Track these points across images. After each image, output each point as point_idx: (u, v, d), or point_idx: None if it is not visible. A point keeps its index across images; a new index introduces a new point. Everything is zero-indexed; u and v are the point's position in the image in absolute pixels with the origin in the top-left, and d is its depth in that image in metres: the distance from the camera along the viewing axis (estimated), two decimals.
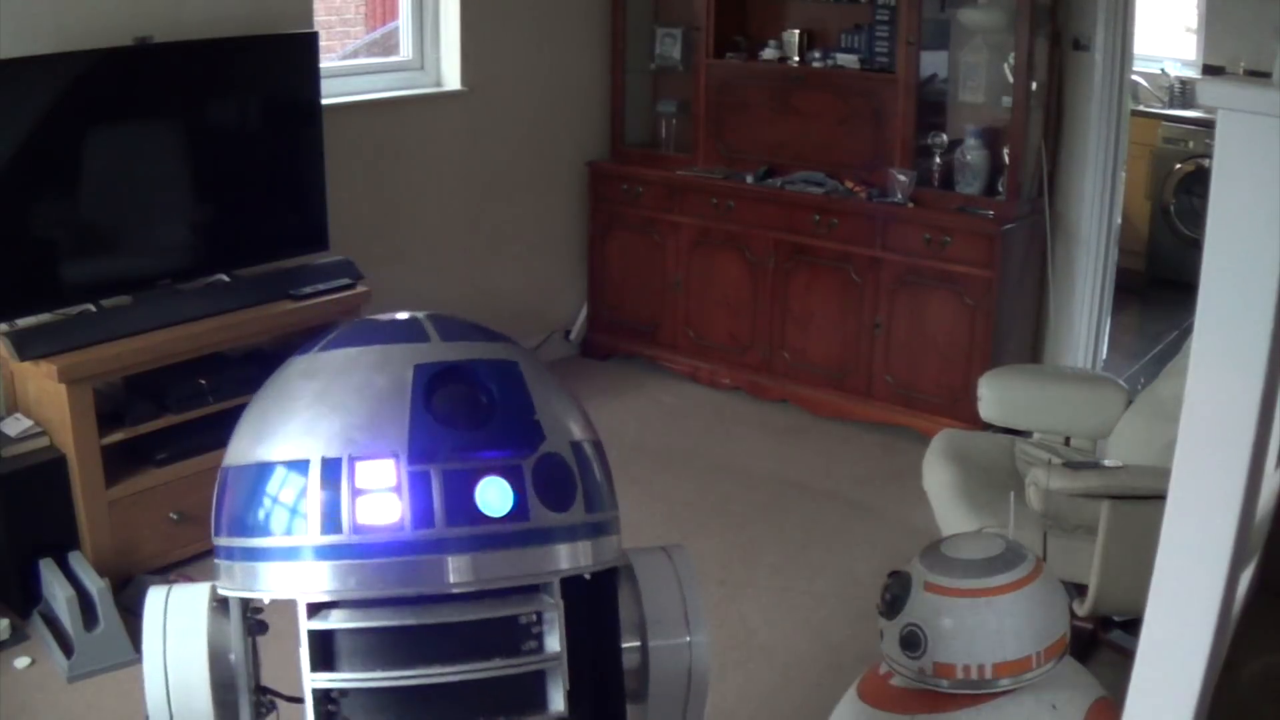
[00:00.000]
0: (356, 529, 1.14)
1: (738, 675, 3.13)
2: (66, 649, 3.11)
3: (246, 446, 1.24)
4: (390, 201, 4.58)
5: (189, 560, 3.54)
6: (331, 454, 1.17)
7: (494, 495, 1.16)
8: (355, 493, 1.15)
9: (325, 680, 1.17)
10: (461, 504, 1.15)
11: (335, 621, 1.17)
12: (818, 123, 4.72)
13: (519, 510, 1.17)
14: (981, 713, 2.05)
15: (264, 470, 1.20)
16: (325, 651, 1.18)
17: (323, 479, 1.16)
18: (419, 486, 1.15)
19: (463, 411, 1.20)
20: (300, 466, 1.18)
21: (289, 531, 1.17)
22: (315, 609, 1.17)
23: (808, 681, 3.11)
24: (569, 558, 1.21)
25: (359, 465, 1.16)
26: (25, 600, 3.27)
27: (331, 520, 1.15)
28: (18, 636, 3.21)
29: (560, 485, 1.21)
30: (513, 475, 1.17)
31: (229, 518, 1.23)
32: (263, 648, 1.33)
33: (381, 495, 1.15)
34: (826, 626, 3.37)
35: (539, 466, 1.19)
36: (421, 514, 1.14)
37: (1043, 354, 4.70)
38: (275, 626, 1.34)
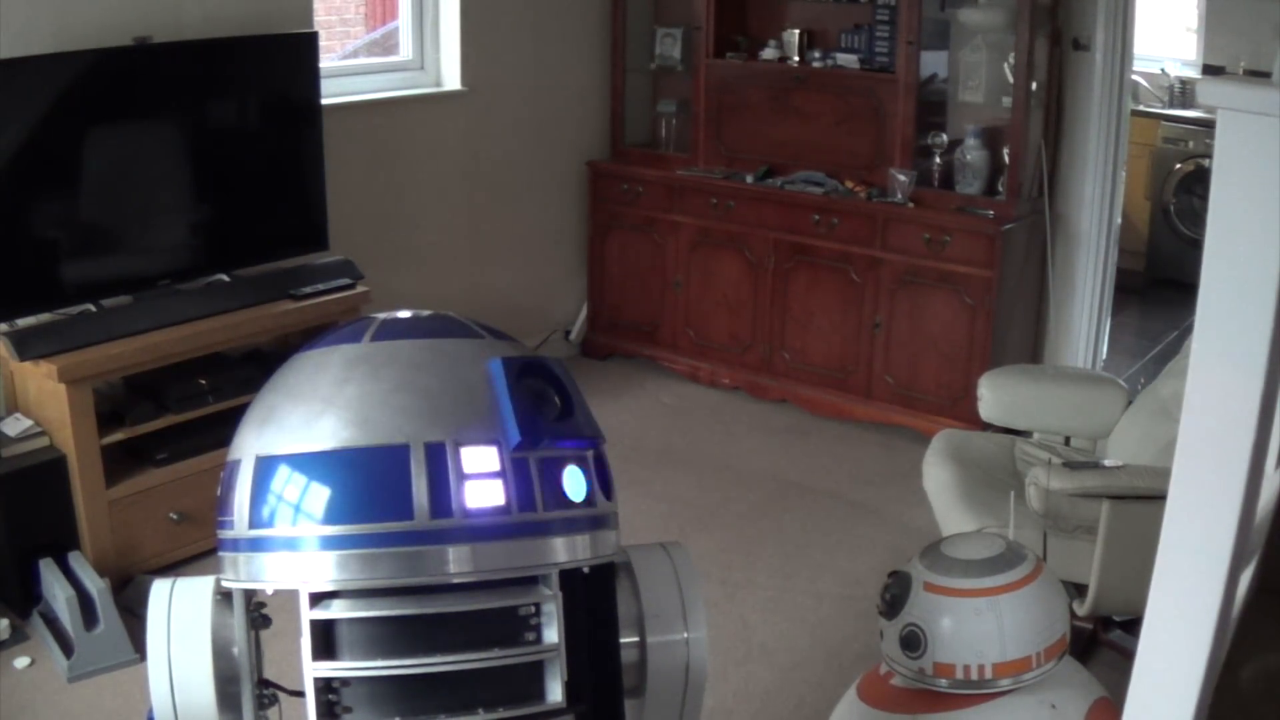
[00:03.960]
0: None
1: (738, 675, 3.13)
2: (66, 649, 3.11)
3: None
4: (390, 201, 4.58)
5: (189, 560, 3.54)
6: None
7: (566, 482, 1.23)
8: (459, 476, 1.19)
9: (326, 669, 1.19)
10: (552, 491, 1.22)
11: (337, 611, 1.18)
12: (818, 123, 4.72)
13: (590, 499, 1.24)
14: (981, 713, 2.05)
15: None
16: (326, 641, 1.20)
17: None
18: (522, 472, 1.20)
19: (551, 406, 1.26)
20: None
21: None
22: (317, 599, 1.19)
23: (808, 681, 3.11)
24: (567, 550, 1.23)
25: (453, 447, 1.19)
26: (25, 600, 3.27)
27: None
28: (18, 636, 3.21)
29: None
30: (585, 466, 1.26)
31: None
32: (264, 643, 1.34)
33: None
34: (826, 626, 3.37)
35: (598, 458, 1.29)
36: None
37: (1043, 354, 4.70)
38: (276, 623, 1.35)
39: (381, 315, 1.35)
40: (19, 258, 3.34)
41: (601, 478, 1.31)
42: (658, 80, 5.23)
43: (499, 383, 1.22)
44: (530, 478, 1.19)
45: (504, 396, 1.20)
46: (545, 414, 1.23)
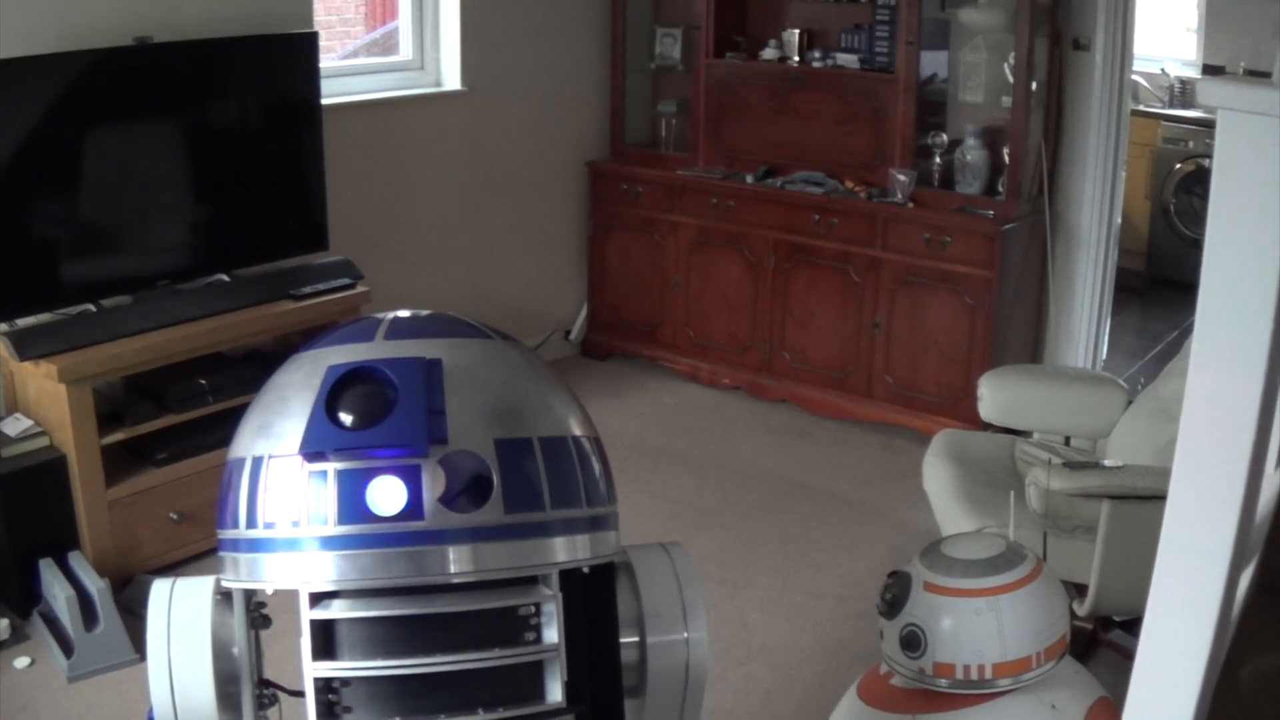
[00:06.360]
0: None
1: (738, 675, 3.13)
2: (66, 649, 3.11)
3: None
4: (390, 201, 4.58)
5: (189, 560, 3.54)
6: (257, 453, 1.21)
7: (386, 494, 1.16)
8: (268, 490, 1.18)
9: (326, 669, 1.19)
10: (353, 503, 1.16)
11: (337, 611, 1.18)
12: (818, 123, 4.72)
13: (413, 510, 1.16)
14: (981, 713, 2.05)
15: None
16: (326, 641, 1.19)
17: (250, 475, 1.20)
18: (317, 484, 1.17)
19: (361, 411, 1.19)
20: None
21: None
22: (317, 599, 1.19)
23: (808, 681, 3.11)
24: (567, 550, 1.23)
25: (272, 463, 1.19)
26: (25, 600, 3.27)
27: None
28: (18, 636, 3.21)
29: (475, 485, 1.19)
30: (409, 474, 1.17)
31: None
32: (264, 643, 1.34)
33: (291, 492, 1.17)
34: (826, 626, 3.37)
35: (445, 465, 1.17)
36: (319, 512, 1.16)
37: (1043, 354, 4.70)
38: (276, 623, 1.35)
39: (390, 314, 1.35)
40: (19, 258, 3.34)
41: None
42: (658, 80, 5.23)
43: (321, 391, 1.20)
44: (326, 490, 1.16)
45: (318, 406, 1.19)
46: (359, 421, 1.18)
